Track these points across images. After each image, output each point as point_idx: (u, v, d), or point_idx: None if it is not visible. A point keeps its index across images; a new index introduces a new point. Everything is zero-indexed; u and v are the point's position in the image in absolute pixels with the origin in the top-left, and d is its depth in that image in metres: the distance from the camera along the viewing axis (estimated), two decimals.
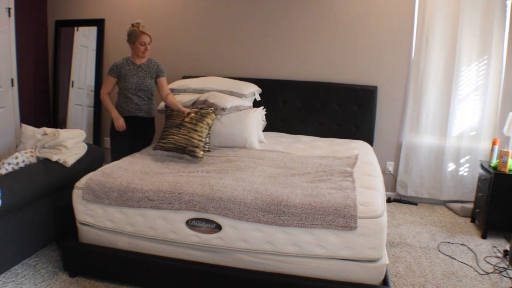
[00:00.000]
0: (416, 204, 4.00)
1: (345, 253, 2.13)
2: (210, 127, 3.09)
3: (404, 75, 3.93)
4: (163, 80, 3.34)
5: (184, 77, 4.20)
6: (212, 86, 3.67)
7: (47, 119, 4.80)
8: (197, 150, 2.88)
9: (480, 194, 3.38)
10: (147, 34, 3.16)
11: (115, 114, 3.21)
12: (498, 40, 3.62)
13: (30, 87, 4.50)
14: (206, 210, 2.24)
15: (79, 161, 2.91)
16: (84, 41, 4.62)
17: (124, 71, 3.22)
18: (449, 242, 3.15)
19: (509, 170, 3.17)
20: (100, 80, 4.62)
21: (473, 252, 3.00)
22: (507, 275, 2.66)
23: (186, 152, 2.89)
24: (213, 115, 3.10)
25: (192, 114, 3.04)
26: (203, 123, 3.00)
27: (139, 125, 3.38)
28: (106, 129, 4.76)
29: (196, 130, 2.95)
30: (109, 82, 3.27)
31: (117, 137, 3.32)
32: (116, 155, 3.23)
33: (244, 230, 2.21)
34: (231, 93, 3.61)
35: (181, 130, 2.96)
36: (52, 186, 2.66)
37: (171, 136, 2.97)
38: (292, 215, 2.14)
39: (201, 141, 2.93)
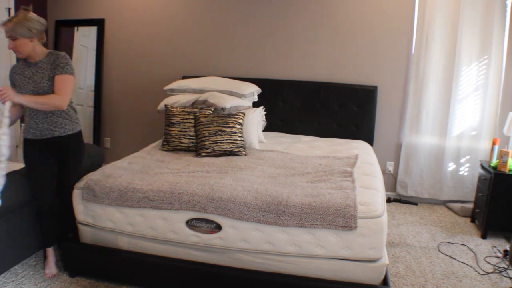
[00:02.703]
0: (416, 204, 4.00)
1: (345, 253, 2.13)
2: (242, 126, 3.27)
3: (404, 75, 3.93)
4: (58, 79, 2.30)
5: (184, 77, 4.20)
6: (212, 86, 3.67)
7: None
8: (242, 149, 3.11)
9: (480, 194, 3.38)
10: (4, 28, 2.24)
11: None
12: (498, 40, 3.62)
13: None
14: (206, 210, 2.24)
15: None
16: (84, 41, 4.62)
17: (15, 77, 2.35)
18: (449, 242, 3.15)
19: (509, 170, 3.16)
20: (100, 80, 4.62)
21: (473, 252, 3.00)
22: (507, 275, 2.65)
23: (232, 154, 3.08)
24: (242, 114, 3.28)
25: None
26: (238, 123, 3.19)
27: (60, 147, 2.45)
28: (106, 129, 4.76)
29: (235, 132, 3.13)
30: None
31: (34, 167, 2.46)
32: (38, 186, 2.46)
33: (244, 230, 2.21)
34: (231, 93, 3.61)
35: (223, 136, 3.09)
36: None
37: (214, 145, 3.06)
38: (292, 215, 2.14)
39: (242, 140, 3.17)
